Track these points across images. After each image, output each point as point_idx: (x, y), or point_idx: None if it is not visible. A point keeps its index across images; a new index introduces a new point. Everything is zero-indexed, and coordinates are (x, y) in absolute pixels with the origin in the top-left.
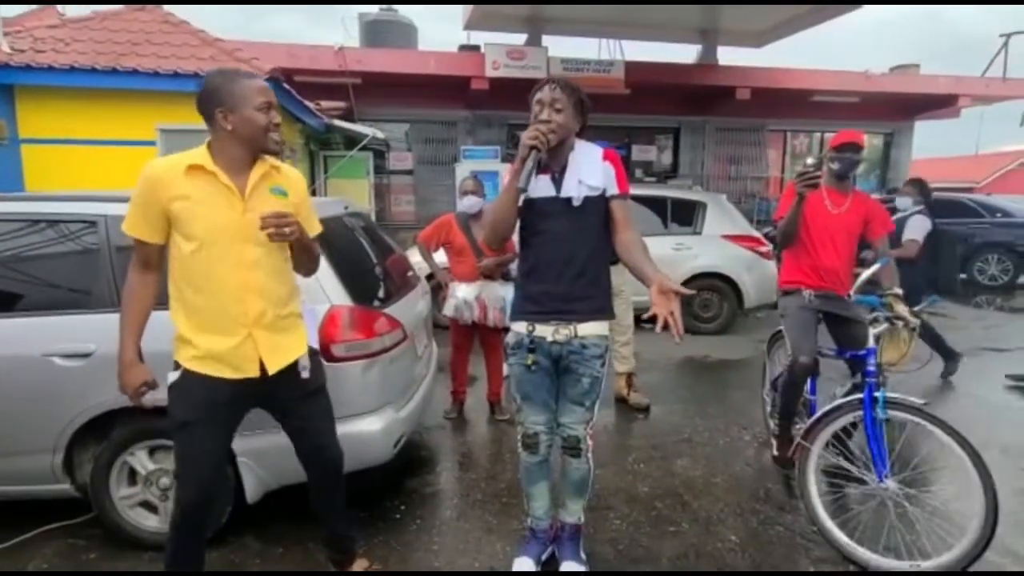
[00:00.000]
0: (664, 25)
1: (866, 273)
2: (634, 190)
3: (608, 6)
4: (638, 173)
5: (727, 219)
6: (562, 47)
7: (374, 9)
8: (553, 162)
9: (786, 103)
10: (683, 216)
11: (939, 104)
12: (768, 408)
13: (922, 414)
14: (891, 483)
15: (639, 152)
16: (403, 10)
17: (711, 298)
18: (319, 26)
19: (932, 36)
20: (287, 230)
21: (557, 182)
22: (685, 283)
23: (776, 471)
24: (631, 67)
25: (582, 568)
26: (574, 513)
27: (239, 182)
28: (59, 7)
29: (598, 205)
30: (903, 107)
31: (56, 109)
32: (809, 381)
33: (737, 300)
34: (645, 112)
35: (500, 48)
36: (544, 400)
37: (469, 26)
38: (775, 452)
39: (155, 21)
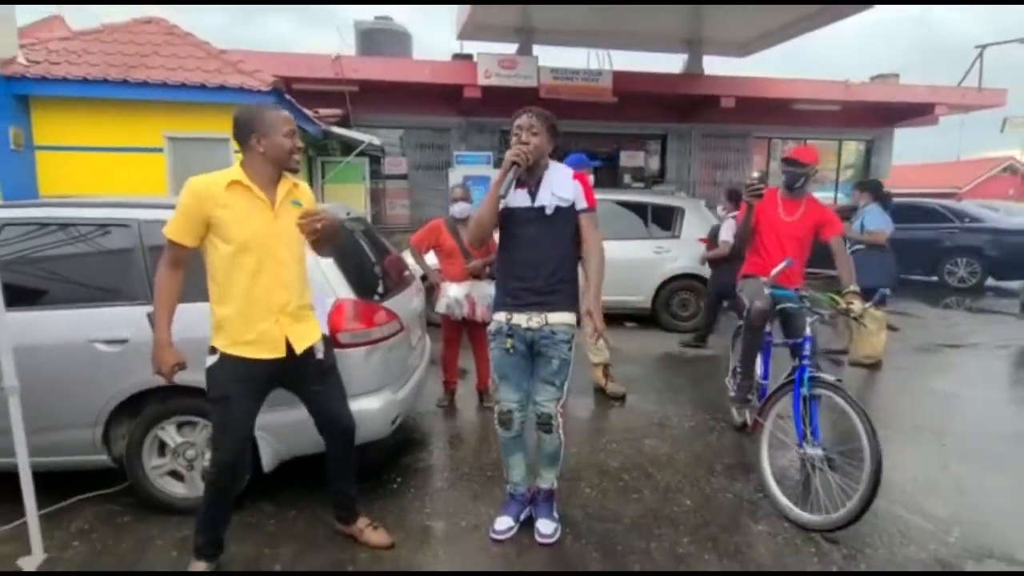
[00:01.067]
0: (651, 35)
1: (775, 270)
2: (618, 196)
3: (597, 17)
4: (626, 179)
5: (705, 223)
6: (552, 57)
7: (369, 17)
8: (530, 177)
9: (770, 111)
10: (663, 220)
11: (917, 112)
12: (731, 393)
13: (835, 389)
14: (810, 449)
15: (627, 158)
16: (398, 18)
17: (689, 298)
18: (309, 28)
19: (917, 41)
20: (319, 225)
21: (532, 194)
22: (664, 283)
23: (734, 449)
24: (619, 76)
25: (554, 525)
26: (548, 480)
27: (269, 195)
28: (63, 15)
29: (567, 215)
30: (883, 115)
31: (69, 118)
32: (761, 366)
33: None
34: (633, 119)
35: (492, 57)
36: (518, 380)
37: (463, 36)
38: (731, 394)
39: (161, 33)
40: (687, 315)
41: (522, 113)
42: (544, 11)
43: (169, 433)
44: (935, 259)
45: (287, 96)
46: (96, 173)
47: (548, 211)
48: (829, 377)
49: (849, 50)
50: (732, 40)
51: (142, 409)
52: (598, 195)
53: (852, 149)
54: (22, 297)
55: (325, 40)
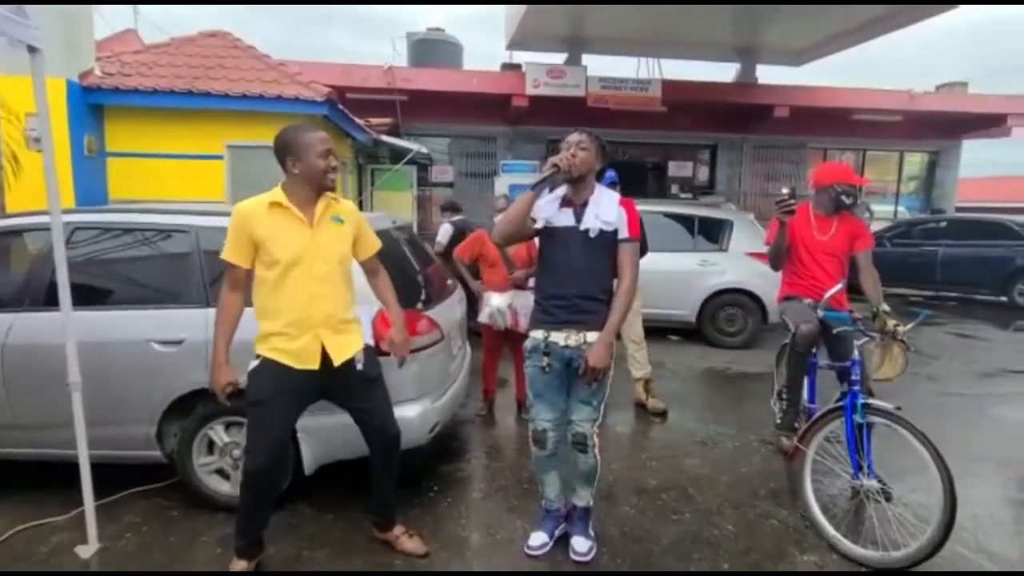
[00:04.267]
0: (703, 43)
1: (828, 294)
2: (664, 208)
3: (648, 25)
4: (674, 188)
5: (753, 237)
6: (601, 66)
7: (422, 28)
8: (576, 197)
9: (827, 121)
10: (710, 233)
11: (988, 124)
12: (777, 420)
13: (894, 418)
14: (866, 480)
15: (675, 168)
16: (450, 29)
17: (736, 313)
18: (364, 39)
19: (981, 55)
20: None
21: (578, 215)
22: (710, 298)
23: (780, 473)
24: (668, 85)
25: (590, 543)
26: (583, 498)
27: (307, 214)
28: (137, 29)
29: (609, 240)
30: (949, 126)
31: (138, 126)
32: (808, 390)
33: (761, 315)
34: (682, 129)
35: (541, 67)
36: (553, 398)
37: (512, 46)
38: (777, 421)
39: (225, 46)
40: (734, 330)
41: (574, 131)
42: (595, 19)
43: (217, 432)
44: (1005, 278)
45: (340, 106)
46: (161, 178)
47: (592, 234)
48: (887, 405)
49: (907, 63)
50: (787, 48)
51: (193, 408)
52: (643, 206)
53: (916, 161)
54: (88, 297)
55: (379, 48)
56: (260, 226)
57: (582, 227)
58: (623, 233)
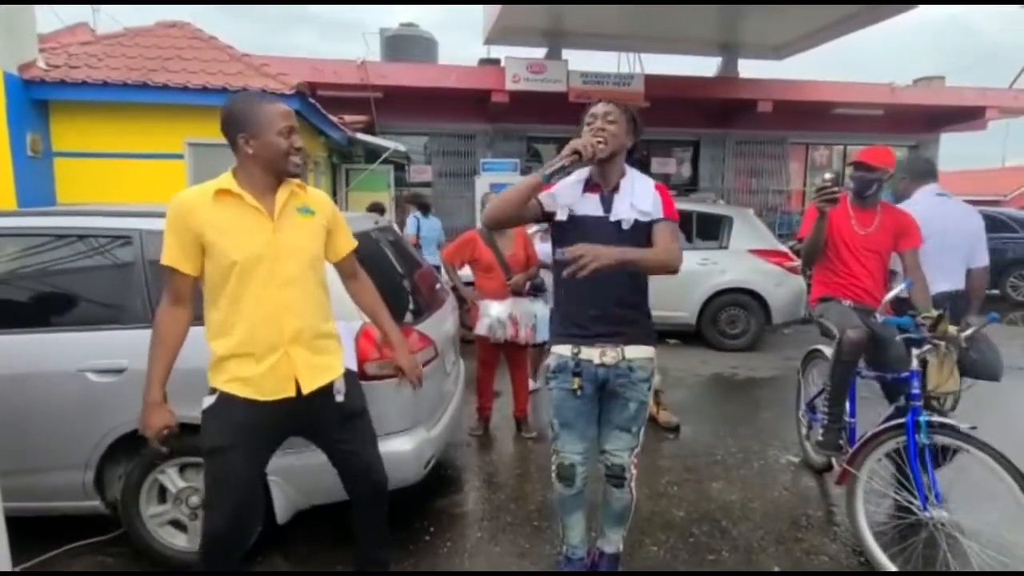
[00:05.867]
0: (684, 38)
1: (891, 293)
2: None
3: (628, 19)
4: None
5: (754, 234)
6: (582, 61)
7: (395, 24)
8: (603, 182)
9: (808, 115)
10: (709, 230)
11: (965, 116)
12: (804, 430)
13: (968, 439)
14: (936, 511)
15: (658, 165)
16: (424, 24)
17: (738, 314)
18: (332, 40)
19: (956, 47)
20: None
21: (607, 202)
22: (711, 298)
23: (816, 498)
24: (651, 80)
25: None
26: (614, 543)
27: (266, 204)
28: (90, 22)
29: (645, 232)
30: (928, 119)
31: (88, 123)
32: (848, 404)
33: (765, 316)
34: (664, 125)
35: (521, 62)
36: (583, 428)
37: (490, 40)
38: (819, 439)
39: (185, 37)
40: (736, 332)
41: (598, 102)
42: (574, 13)
43: (170, 477)
44: (996, 271)
45: (312, 100)
46: (115, 180)
47: (625, 226)
48: (958, 423)
49: (887, 55)
50: (768, 43)
51: (140, 449)
52: None
53: (896, 155)
54: (4, 318)
55: (349, 50)
56: (205, 220)
57: (613, 217)
58: (658, 214)
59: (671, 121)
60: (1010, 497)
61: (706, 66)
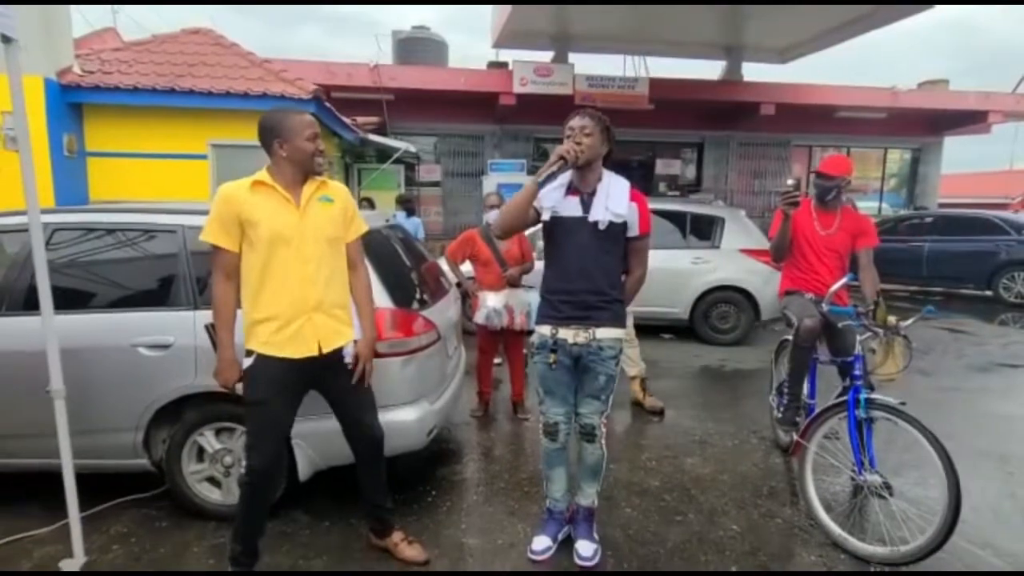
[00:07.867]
0: (689, 41)
1: (835, 286)
2: (655, 205)
3: (634, 23)
4: (661, 187)
5: (745, 234)
6: (588, 64)
7: (406, 26)
8: (583, 185)
9: (811, 118)
10: (702, 230)
11: (969, 120)
12: (775, 413)
13: (898, 413)
14: (870, 476)
15: (663, 166)
16: (435, 27)
17: (729, 310)
18: (339, 37)
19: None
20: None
21: (586, 204)
22: (703, 295)
23: (781, 471)
24: (655, 83)
25: (595, 547)
26: (588, 496)
27: (295, 195)
28: (116, 26)
29: (619, 232)
30: (931, 123)
31: (119, 125)
32: (808, 385)
33: (754, 312)
34: (669, 127)
35: (528, 65)
36: (563, 394)
37: (498, 44)
38: (778, 416)
39: (208, 43)
40: (727, 327)
41: (575, 115)
42: (581, 17)
43: (207, 439)
44: (990, 273)
45: (326, 104)
46: (143, 178)
47: (601, 226)
48: (890, 399)
49: (892, 59)
50: (772, 46)
51: (182, 414)
52: None
53: (897, 158)
54: (69, 300)
55: (355, 48)
56: (244, 203)
57: (591, 218)
58: (634, 231)
59: (676, 123)
60: (930, 462)
61: (710, 69)
